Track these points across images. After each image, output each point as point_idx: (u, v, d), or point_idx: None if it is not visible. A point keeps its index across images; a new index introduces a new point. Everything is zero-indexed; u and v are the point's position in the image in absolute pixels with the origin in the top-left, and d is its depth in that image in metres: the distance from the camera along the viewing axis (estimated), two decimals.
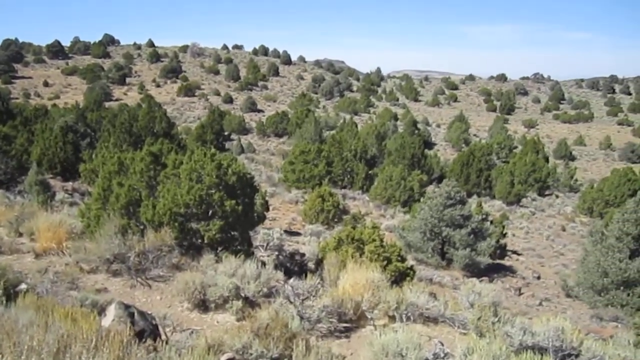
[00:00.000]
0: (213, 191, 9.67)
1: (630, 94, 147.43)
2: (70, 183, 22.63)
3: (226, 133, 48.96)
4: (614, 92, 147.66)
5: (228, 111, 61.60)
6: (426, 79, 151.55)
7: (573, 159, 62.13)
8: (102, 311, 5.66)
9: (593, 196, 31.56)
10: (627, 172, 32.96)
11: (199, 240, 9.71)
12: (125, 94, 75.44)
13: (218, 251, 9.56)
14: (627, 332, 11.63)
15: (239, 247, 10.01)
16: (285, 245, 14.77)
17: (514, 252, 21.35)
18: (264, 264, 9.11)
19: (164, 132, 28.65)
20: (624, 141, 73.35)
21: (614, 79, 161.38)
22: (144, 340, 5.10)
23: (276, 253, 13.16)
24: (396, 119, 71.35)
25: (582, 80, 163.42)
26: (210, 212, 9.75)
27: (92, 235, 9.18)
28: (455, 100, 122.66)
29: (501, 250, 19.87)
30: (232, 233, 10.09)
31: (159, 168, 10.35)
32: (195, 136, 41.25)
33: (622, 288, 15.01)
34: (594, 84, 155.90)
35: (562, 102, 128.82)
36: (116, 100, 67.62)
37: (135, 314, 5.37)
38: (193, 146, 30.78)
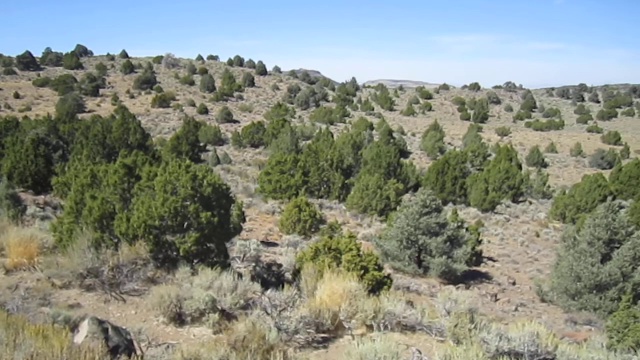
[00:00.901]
0: (188, 203, 9.59)
1: (598, 101, 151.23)
2: (42, 196, 22.20)
3: (202, 144, 48.70)
4: (583, 100, 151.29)
5: (203, 122, 61.26)
6: (401, 88, 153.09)
7: (545, 165, 63.20)
8: (74, 327, 5.54)
9: (565, 202, 32.13)
10: (597, 178, 33.65)
11: (175, 253, 9.60)
12: (98, 105, 74.50)
13: (194, 263, 9.47)
14: (601, 335, 11.82)
15: (215, 259, 9.92)
16: (262, 256, 14.70)
17: (490, 259, 21.57)
18: (240, 275, 9.04)
19: (139, 143, 28.38)
20: (593, 148, 74.97)
21: (583, 87, 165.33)
22: (118, 356, 5.01)
23: (253, 264, 13.08)
24: (372, 128, 71.78)
25: (552, 88, 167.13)
26: (186, 224, 9.66)
27: (64, 249, 9.00)
28: (430, 109, 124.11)
29: (477, 257, 20.06)
30: (208, 245, 10.00)
31: (133, 180, 10.22)
32: (170, 147, 40.93)
33: (594, 292, 15.27)
34: (564, 93, 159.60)
35: (533, 110, 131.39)
36: (89, 111, 66.69)
37: (109, 330, 5.27)
38: (168, 157, 30.52)
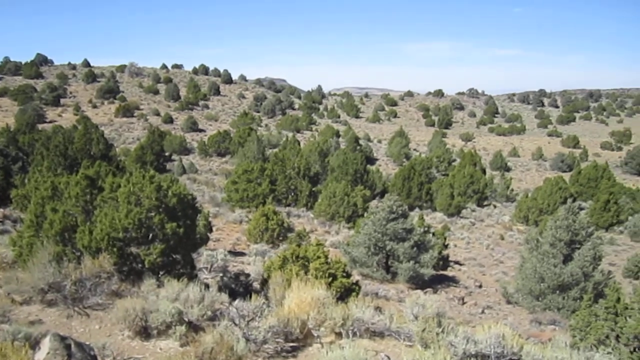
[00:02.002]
0: (153, 214, 9.44)
1: (557, 106, 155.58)
2: (1, 210, 21.54)
3: (167, 154, 48.10)
4: (543, 105, 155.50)
5: (168, 131, 60.54)
6: (366, 95, 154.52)
7: (508, 169, 64.53)
8: (35, 344, 5.39)
9: (528, 205, 32.83)
10: (558, 181, 34.54)
11: (140, 265, 9.43)
12: (59, 115, 72.81)
13: (160, 275, 9.32)
14: (564, 334, 12.08)
15: (181, 271, 9.79)
16: (229, 266, 14.57)
17: (457, 263, 21.86)
18: (207, 286, 8.94)
19: (102, 154, 27.86)
20: (554, 151, 76.98)
21: (542, 93, 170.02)
22: None
23: (220, 274, 12.95)
24: (338, 135, 72.11)
25: (513, 94, 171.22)
26: (151, 235, 9.51)
27: (24, 264, 8.75)
28: (395, 116, 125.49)
29: (444, 261, 20.31)
30: (174, 256, 9.87)
31: (95, 192, 10.02)
32: (134, 157, 40.27)
33: (557, 292, 15.63)
34: (524, 98, 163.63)
35: (496, 115, 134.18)
36: (50, 122, 65.09)
37: (72, 346, 5.14)
38: (132, 168, 30.02)
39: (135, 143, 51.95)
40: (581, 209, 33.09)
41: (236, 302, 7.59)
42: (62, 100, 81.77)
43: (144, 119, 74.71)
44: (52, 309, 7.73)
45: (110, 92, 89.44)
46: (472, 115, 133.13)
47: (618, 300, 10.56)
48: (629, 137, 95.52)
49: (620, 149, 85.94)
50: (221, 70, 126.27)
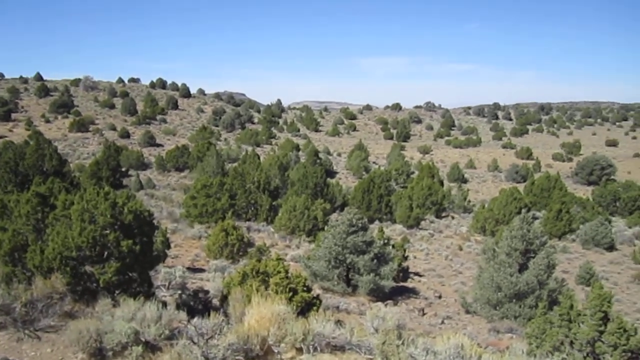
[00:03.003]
0: (108, 231, 9.21)
1: (511, 119, 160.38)
2: None
3: (123, 169, 47.08)
4: (497, 118, 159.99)
5: (125, 146, 59.42)
6: (326, 109, 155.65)
7: (465, 181, 65.87)
8: None
9: (485, 215, 33.52)
10: (513, 191, 35.42)
11: (94, 285, 9.16)
12: (10, 130, 70.46)
13: (115, 294, 9.08)
14: (521, 341, 12.33)
15: (138, 289, 9.56)
16: (188, 283, 14.32)
17: (416, 274, 22.07)
18: (165, 304, 8.75)
19: (55, 170, 27.10)
20: (508, 163, 79.09)
21: (496, 106, 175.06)
22: None
23: (179, 292, 12.70)
24: (298, 149, 72.27)
25: (469, 107, 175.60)
26: (106, 253, 9.26)
27: None
28: (354, 129, 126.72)
29: (404, 273, 20.49)
30: (130, 274, 9.63)
31: (47, 209, 9.72)
32: (89, 173, 39.29)
33: (514, 300, 15.95)
34: (480, 111, 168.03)
35: (452, 128, 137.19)
36: (0, 137, 63.00)
37: None
38: (88, 184, 29.29)
39: (91, 158, 50.72)
40: (535, 218, 33.99)
41: (195, 320, 7.45)
42: (13, 115, 79.22)
43: (100, 134, 73.14)
44: (2, 333, 7.42)
45: (64, 106, 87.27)
46: (430, 128, 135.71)
47: (571, 307, 10.86)
48: (579, 149, 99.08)
49: (570, 159, 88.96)
50: (179, 84, 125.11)
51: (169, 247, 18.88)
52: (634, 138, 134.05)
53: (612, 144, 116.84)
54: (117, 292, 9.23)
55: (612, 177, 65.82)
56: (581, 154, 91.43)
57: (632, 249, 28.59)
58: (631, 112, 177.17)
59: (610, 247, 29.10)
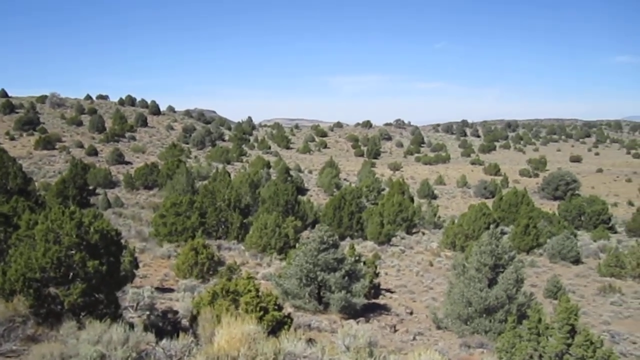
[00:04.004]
0: (73, 252, 9.00)
1: (479, 136, 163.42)
2: None
3: (91, 187, 46.22)
4: (465, 135, 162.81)
5: (92, 164, 58.42)
6: (296, 127, 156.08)
7: (435, 197, 66.54)
8: None
9: (454, 231, 33.86)
10: (481, 207, 35.93)
11: (59, 307, 8.92)
12: None
13: (81, 317, 8.86)
14: (492, 356, 12.43)
15: (104, 311, 9.34)
16: (157, 304, 14.04)
17: (388, 290, 22.10)
18: (132, 326, 8.57)
19: (19, 188, 26.47)
20: (477, 179, 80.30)
21: (465, 123, 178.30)
22: None
23: (147, 313, 12.45)
24: (269, 166, 72.11)
25: (438, 125, 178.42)
26: (71, 274, 9.04)
27: None
28: (325, 146, 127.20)
29: (375, 290, 20.49)
30: (97, 295, 9.41)
31: (10, 230, 9.47)
32: (55, 192, 38.43)
33: (484, 315, 16.08)
34: (448, 128, 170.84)
35: (422, 145, 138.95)
36: None
37: None
38: (53, 203, 28.62)
39: (57, 177, 49.64)
40: (503, 233, 34.49)
41: (163, 341, 7.32)
42: None
43: (66, 152, 71.79)
44: None
45: (30, 123, 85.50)
46: (400, 145, 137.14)
47: (540, 320, 11.01)
48: (545, 164, 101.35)
49: (537, 175, 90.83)
50: (149, 102, 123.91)
51: (137, 266, 18.53)
52: (597, 154, 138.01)
53: (576, 159, 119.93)
54: (82, 314, 9.01)
55: (577, 192, 67.40)
56: (547, 170, 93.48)
57: (597, 262, 29.20)
58: (593, 129, 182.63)
59: (576, 261, 29.68)
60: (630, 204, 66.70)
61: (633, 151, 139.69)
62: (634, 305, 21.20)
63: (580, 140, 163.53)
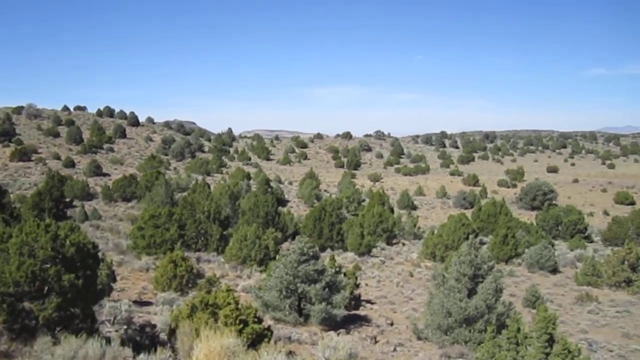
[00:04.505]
0: (48, 265, 8.84)
1: (458, 147, 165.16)
2: None
3: (68, 199, 45.50)
4: (444, 146, 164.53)
5: (70, 176, 57.58)
6: (277, 138, 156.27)
7: (415, 208, 66.89)
8: None
9: (434, 241, 34.02)
10: (461, 217, 36.18)
11: (33, 322, 8.74)
12: None
13: (56, 332, 8.68)
14: None
15: (80, 325, 9.18)
16: (135, 318, 13.83)
17: (368, 302, 22.08)
18: (109, 340, 8.43)
19: None
20: (456, 189, 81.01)
21: (444, 134, 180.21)
22: None
23: (124, 327, 12.25)
24: (249, 178, 71.90)
25: (417, 136, 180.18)
26: (46, 288, 8.88)
27: None
28: (306, 157, 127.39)
29: (356, 301, 20.45)
30: (72, 310, 9.24)
31: None
32: (31, 204, 37.75)
33: (464, 325, 16.15)
34: (427, 140, 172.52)
35: (402, 156, 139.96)
36: None
37: None
38: (29, 215, 28.12)
39: (33, 189, 48.82)
40: (483, 243, 34.80)
41: (140, 356, 7.21)
42: None
43: (43, 163, 70.70)
44: None
45: (5, 134, 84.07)
46: (380, 156, 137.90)
47: (518, 330, 11.09)
48: (522, 175, 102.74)
49: (515, 185, 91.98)
50: (127, 113, 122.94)
51: (114, 280, 18.25)
52: (573, 165, 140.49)
53: (553, 170, 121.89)
54: (57, 329, 8.84)
55: (554, 202, 68.31)
56: (524, 180, 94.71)
57: (574, 271, 29.57)
58: (569, 140, 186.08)
59: (554, 270, 30.01)
60: (606, 213, 67.87)
61: (608, 162, 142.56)
62: (610, 314, 21.49)
63: (557, 151, 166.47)
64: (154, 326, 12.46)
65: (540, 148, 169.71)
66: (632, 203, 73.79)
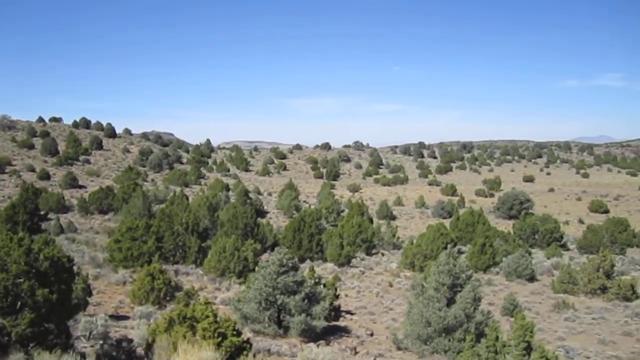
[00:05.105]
0: (21, 280, 8.67)
1: (436, 157, 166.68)
2: None
3: (42, 212, 44.72)
4: (423, 156, 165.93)
5: (45, 188, 56.62)
6: (256, 149, 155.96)
7: (394, 218, 67.15)
8: None
9: (413, 251, 34.16)
10: (439, 227, 36.42)
11: (5, 338, 8.54)
12: None
13: (29, 348, 8.49)
14: None
15: (54, 341, 8.99)
16: (111, 332, 13.60)
17: (348, 312, 22.05)
18: (84, 356, 8.27)
19: None
20: (435, 199, 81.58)
21: (422, 145, 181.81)
22: None
23: (100, 342, 12.03)
24: (228, 189, 71.55)
25: (396, 146, 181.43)
26: (19, 304, 8.69)
27: None
28: (285, 168, 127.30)
29: (335, 312, 20.40)
30: (46, 325, 9.05)
31: None
32: (4, 218, 36.99)
33: (443, 335, 16.21)
34: (406, 150, 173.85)
35: (380, 167, 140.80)
36: None
37: None
38: (2, 229, 27.57)
39: (6, 202, 47.89)
40: (461, 253, 35.04)
41: None
42: None
43: (17, 176, 69.51)
44: None
45: None
46: (359, 167, 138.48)
47: (497, 338, 11.17)
48: (499, 184, 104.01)
49: (492, 195, 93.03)
50: (104, 124, 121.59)
51: (90, 294, 17.96)
52: (548, 174, 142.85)
53: (529, 179, 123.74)
54: (31, 345, 8.64)
55: (531, 211, 69.20)
56: (501, 190, 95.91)
57: (551, 279, 29.92)
58: (544, 149, 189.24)
59: (531, 278, 30.33)
60: (581, 222, 68.99)
61: (582, 171, 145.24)
62: (586, 321, 21.77)
63: (533, 160, 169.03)
64: (131, 341, 12.26)
65: (516, 158, 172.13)
66: (607, 211, 75.17)
